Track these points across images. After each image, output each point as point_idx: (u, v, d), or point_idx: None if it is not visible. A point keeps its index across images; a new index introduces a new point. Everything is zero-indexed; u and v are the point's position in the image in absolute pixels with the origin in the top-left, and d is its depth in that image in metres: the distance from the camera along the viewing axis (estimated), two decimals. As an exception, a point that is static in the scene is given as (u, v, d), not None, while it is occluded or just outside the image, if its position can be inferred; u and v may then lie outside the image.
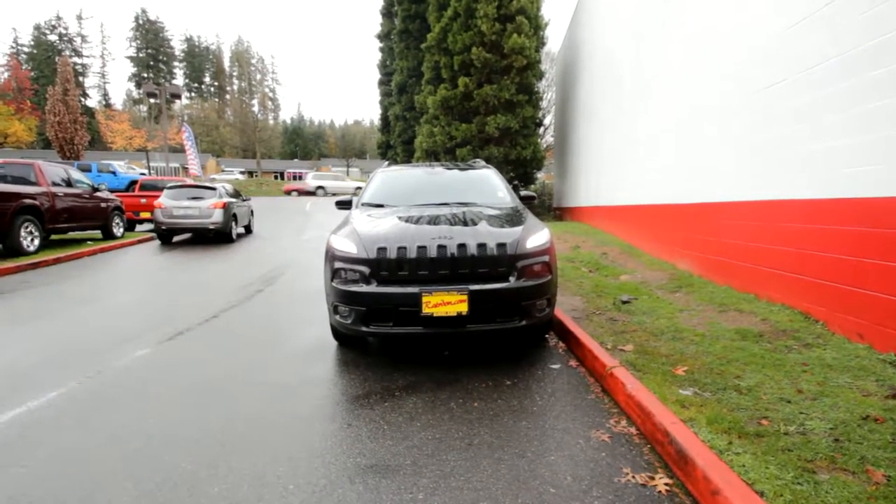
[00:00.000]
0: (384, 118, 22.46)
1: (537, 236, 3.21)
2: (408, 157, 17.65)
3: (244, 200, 12.47)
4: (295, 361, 3.40)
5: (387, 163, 6.26)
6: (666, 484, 1.85)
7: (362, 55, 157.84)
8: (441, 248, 2.95)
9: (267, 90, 66.66)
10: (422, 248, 2.95)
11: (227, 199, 10.54)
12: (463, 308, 2.87)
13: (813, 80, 3.52)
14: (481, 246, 2.97)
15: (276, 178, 50.53)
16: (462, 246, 2.96)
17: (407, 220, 3.44)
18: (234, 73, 70.76)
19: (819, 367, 2.77)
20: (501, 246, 3.00)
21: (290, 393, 2.85)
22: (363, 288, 2.96)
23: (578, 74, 12.84)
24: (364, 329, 3.01)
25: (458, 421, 2.47)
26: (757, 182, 4.27)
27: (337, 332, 3.58)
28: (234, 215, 10.77)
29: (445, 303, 2.86)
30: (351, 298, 2.98)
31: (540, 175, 18.31)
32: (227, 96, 68.62)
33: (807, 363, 2.83)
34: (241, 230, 11.84)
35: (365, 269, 2.98)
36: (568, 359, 3.35)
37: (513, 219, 3.51)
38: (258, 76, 67.17)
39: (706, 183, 5.23)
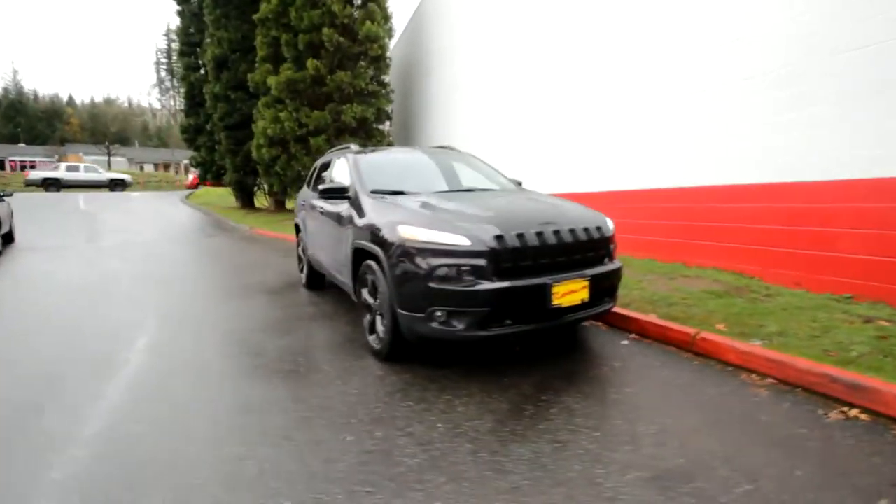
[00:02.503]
0: (190, 97, 18.54)
1: (608, 219, 3.29)
2: (236, 144, 15.11)
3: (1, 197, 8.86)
4: None
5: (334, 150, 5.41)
6: (860, 413, 2.22)
7: (115, 13, 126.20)
8: (556, 233, 2.76)
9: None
10: (539, 235, 2.70)
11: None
12: (585, 295, 2.77)
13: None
14: (587, 230, 2.91)
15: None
16: (573, 231, 2.83)
17: (475, 206, 3.07)
18: None
19: (797, 309, 3.65)
20: (599, 229, 2.99)
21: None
22: (485, 286, 2.54)
23: (425, 72, 13.22)
24: (481, 334, 2.60)
25: (641, 408, 2.41)
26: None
27: (394, 352, 2.96)
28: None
29: (571, 291, 2.71)
30: (471, 299, 2.53)
31: None
32: None
33: (786, 308, 3.71)
34: (-4, 240, 8.09)
35: (483, 263, 2.57)
36: (617, 335, 3.55)
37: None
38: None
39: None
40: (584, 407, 2.40)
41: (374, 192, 3.55)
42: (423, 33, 13.51)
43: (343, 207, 3.79)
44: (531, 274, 2.66)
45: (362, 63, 12.84)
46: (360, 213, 3.42)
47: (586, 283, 2.77)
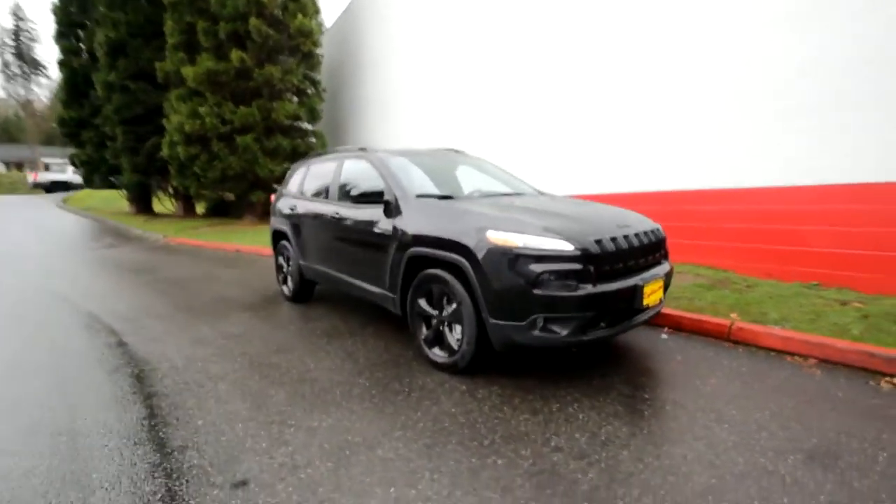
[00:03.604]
0: (71, 86, 15.54)
1: (652, 221, 3.47)
2: (137, 141, 13.06)
3: None
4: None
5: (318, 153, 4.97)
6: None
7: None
8: (637, 235, 2.85)
9: None
10: (626, 238, 2.76)
11: None
12: (661, 294, 2.91)
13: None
14: (654, 232, 3.04)
15: None
16: (646, 233, 2.95)
17: (544, 210, 3.05)
18: None
19: (780, 297, 4.20)
20: (659, 230, 3.14)
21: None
22: (589, 289, 2.53)
23: (358, 71, 12.80)
24: (583, 338, 2.58)
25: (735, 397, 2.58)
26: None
27: (473, 364, 2.81)
28: None
29: (654, 291, 2.83)
30: (576, 304, 2.50)
31: None
32: None
33: (771, 296, 4.25)
34: None
35: (586, 267, 2.55)
36: (652, 331, 3.76)
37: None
38: None
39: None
40: (690, 401, 2.51)
41: (420, 196, 3.35)
42: (355, 31, 13.06)
43: (373, 213, 3.51)
44: (622, 276, 2.72)
45: (292, 59, 12.04)
46: (409, 218, 3.19)
47: (662, 283, 2.91)
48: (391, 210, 3.37)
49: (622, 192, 6.03)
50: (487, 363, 2.92)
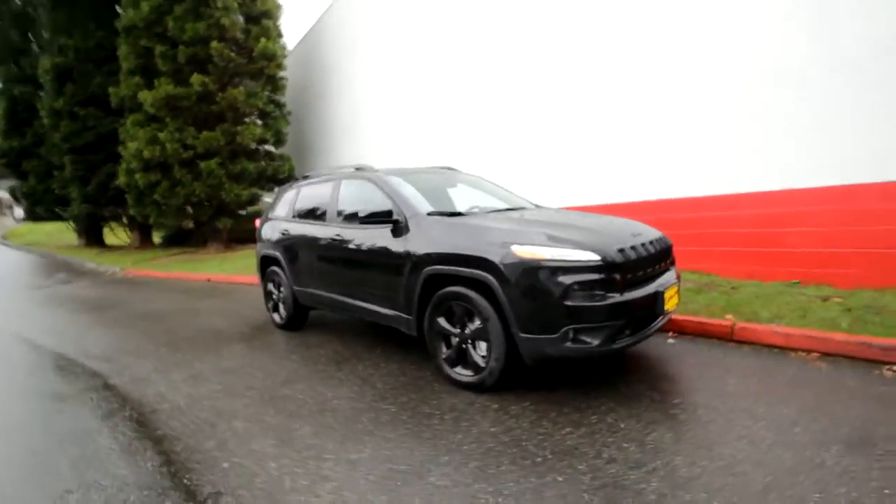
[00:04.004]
0: (11, 114, 14.37)
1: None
2: (87, 170, 12.23)
3: None
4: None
5: (305, 176, 4.87)
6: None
7: None
8: (651, 243, 2.94)
9: None
10: (643, 246, 2.85)
11: None
12: (677, 299, 3.00)
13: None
14: (663, 239, 3.15)
15: None
16: (658, 241, 3.05)
17: (558, 223, 3.09)
18: None
19: (766, 296, 4.43)
20: (666, 238, 3.26)
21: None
22: (617, 298, 2.57)
23: (323, 94, 12.70)
24: (613, 347, 2.61)
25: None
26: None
27: (501, 381, 2.78)
28: None
29: (671, 297, 2.91)
30: (607, 314, 2.53)
31: (268, 199, 16.24)
32: None
33: (758, 296, 4.48)
34: None
35: (613, 277, 2.59)
36: (656, 336, 3.85)
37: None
38: None
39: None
40: (718, 402, 2.58)
41: (432, 213, 3.32)
42: (319, 53, 13.01)
43: (380, 233, 3.45)
44: (643, 283, 2.79)
45: (256, 82, 11.82)
46: (422, 237, 3.16)
47: (677, 288, 3.01)
48: (400, 229, 3.32)
49: (600, 203, 6.23)
50: (513, 379, 2.90)
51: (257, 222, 5.33)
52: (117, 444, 2.54)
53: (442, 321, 3.05)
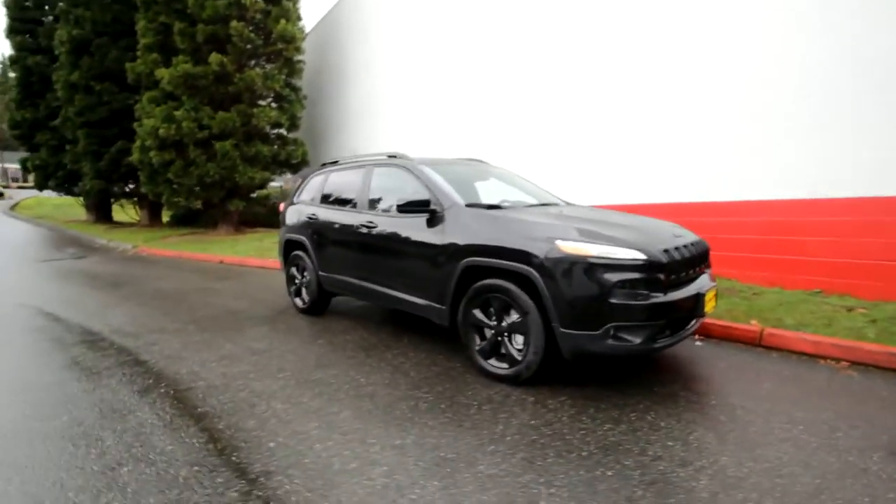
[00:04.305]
0: (26, 85, 14.32)
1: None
2: (101, 145, 12.20)
3: None
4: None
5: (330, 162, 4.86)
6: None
7: None
8: (693, 245, 2.95)
9: None
10: (686, 247, 2.86)
11: None
12: (715, 302, 3.01)
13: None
14: (702, 241, 3.15)
15: None
16: (698, 243, 3.06)
17: (598, 220, 3.10)
18: None
19: (789, 304, 4.45)
20: (703, 241, 3.26)
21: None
22: (661, 298, 2.59)
23: (339, 79, 12.62)
24: (654, 346, 2.63)
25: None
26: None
27: (537, 374, 2.80)
28: None
29: (710, 299, 2.92)
30: (651, 313, 2.55)
31: (276, 183, 16.05)
32: None
33: (780, 303, 4.49)
34: None
35: (658, 276, 2.61)
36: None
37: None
38: None
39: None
40: (755, 405, 2.60)
41: (470, 205, 3.33)
42: (336, 38, 12.93)
43: (416, 223, 3.45)
44: (685, 284, 2.80)
45: (273, 64, 11.75)
46: (460, 228, 3.16)
47: (715, 291, 3.02)
48: (437, 219, 3.33)
49: (623, 203, 6.23)
50: (547, 374, 2.92)
51: (282, 206, 5.32)
52: (159, 419, 2.57)
53: (477, 313, 3.07)
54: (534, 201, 4.03)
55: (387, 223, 3.75)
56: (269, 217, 13.78)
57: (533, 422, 2.46)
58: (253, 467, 2.09)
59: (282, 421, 2.52)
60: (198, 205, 12.29)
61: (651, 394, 2.77)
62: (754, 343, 3.62)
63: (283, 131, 12.52)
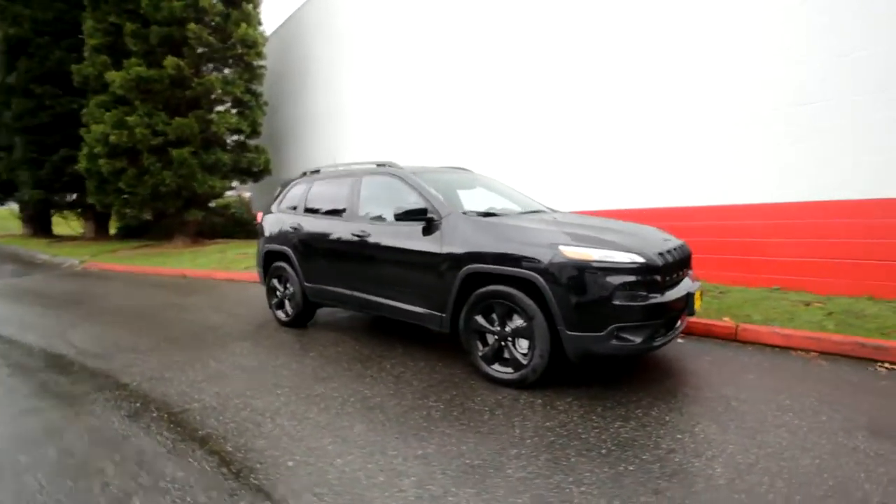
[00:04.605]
0: None
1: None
2: (41, 153, 11.26)
3: None
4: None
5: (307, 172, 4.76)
6: (889, 365, 3.15)
7: None
8: (681, 248, 3.13)
9: None
10: (676, 250, 3.03)
11: None
12: (700, 301, 3.19)
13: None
14: (684, 245, 3.35)
15: None
16: (684, 246, 3.24)
17: (592, 226, 3.23)
18: None
19: (754, 301, 4.77)
20: (686, 245, 3.46)
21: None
22: (660, 298, 2.73)
23: (301, 86, 12.37)
24: (654, 345, 2.77)
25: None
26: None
27: (541, 378, 2.87)
28: None
29: (698, 298, 3.10)
30: (651, 313, 2.69)
31: (231, 192, 15.21)
32: None
33: (746, 300, 4.82)
34: None
35: (656, 278, 2.75)
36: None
37: None
38: None
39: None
40: (746, 395, 2.79)
41: (467, 213, 3.37)
42: (300, 42, 12.67)
43: (411, 231, 3.46)
44: (676, 285, 2.97)
45: (233, 69, 11.38)
46: (459, 235, 3.20)
47: (700, 291, 3.22)
48: (434, 227, 3.35)
49: (590, 209, 6.49)
50: (551, 376, 3.00)
51: (259, 216, 5.16)
52: (159, 445, 2.42)
53: (480, 319, 3.11)
54: (520, 209, 4.13)
55: (380, 232, 3.73)
56: (228, 227, 13.24)
57: (547, 423, 2.52)
58: (276, 488, 2.02)
59: (294, 438, 2.45)
60: (148, 216, 11.65)
61: (650, 390, 2.90)
62: (731, 338, 3.87)
63: (243, 138, 12.11)
